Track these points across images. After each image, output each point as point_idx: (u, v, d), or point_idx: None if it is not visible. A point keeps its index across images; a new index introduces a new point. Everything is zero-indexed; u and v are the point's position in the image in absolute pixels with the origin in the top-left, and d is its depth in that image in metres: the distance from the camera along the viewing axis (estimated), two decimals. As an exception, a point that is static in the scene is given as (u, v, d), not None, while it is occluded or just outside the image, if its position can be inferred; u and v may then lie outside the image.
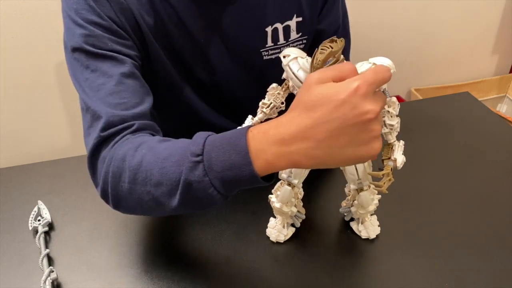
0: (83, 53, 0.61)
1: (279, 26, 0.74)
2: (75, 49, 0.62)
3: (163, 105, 0.76)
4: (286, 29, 0.75)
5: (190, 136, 0.51)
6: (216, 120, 0.82)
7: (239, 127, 0.49)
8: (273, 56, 0.77)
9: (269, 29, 0.74)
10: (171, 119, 0.79)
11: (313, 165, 0.46)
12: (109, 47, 0.61)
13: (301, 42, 0.78)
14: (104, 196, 0.57)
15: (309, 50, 0.81)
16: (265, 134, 0.46)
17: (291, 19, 0.75)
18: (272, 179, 0.49)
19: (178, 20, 0.68)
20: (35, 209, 0.72)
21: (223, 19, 0.70)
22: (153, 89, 0.67)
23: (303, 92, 0.45)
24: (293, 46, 0.78)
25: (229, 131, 0.49)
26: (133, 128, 0.58)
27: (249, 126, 0.48)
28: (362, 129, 0.43)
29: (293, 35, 0.76)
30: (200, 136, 0.50)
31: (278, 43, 0.76)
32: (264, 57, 0.77)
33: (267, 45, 0.76)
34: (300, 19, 0.76)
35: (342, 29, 0.84)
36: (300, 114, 0.45)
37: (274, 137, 0.45)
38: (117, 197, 0.55)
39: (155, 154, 0.52)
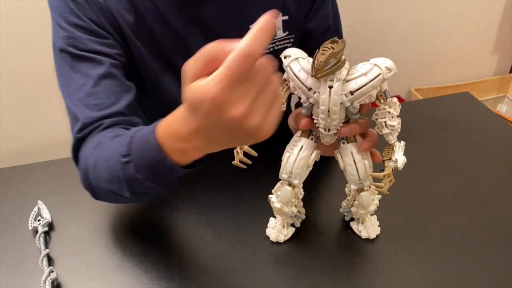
0: (68, 55, 0.65)
1: None
2: (61, 50, 0.66)
3: (148, 98, 0.77)
4: None
5: None
6: None
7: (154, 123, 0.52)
8: None
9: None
10: (157, 111, 0.80)
11: (215, 150, 0.47)
12: (89, 48, 0.65)
13: (288, 40, 0.79)
14: (86, 190, 0.63)
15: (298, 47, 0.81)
16: (169, 132, 0.48)
17: (276, 17, 0.75)
18: (199, 164, 0.51)
19: (160, 17, 0.69)
20: (35, 209, 0.71)
21: (205, 16, 0.71)
22: (138, 83, 0.69)
23: (186, 85, 0.42)
24: (280, 44, 0.78)
25: (148, 127, 0.52)
26: (102, 127, 0.63)
27: (157, 122, 0.50)
28: (236, 131, 0.42)
29: (279, 33, 0.77)
30: (128, 135, 0.53)
31: None
32: None
33: None
34: (286, 17, 0.76)
35: (334, 30, 0.84)
36: (188, 113, 0.44)
37: (175, 135, 0.47)
38: (91, 191, 0.63)
39: (103, 154, 0.57)
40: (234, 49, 0.38)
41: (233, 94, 0.39)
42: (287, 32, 0.77)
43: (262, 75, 0.40)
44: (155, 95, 0.78)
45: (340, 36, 0.86)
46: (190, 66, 0.41)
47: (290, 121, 0.79)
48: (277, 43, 0.77)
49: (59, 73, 0.68)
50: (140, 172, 0.52)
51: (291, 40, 0.79)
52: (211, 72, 0.39)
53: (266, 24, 0.38)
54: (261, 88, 0.40)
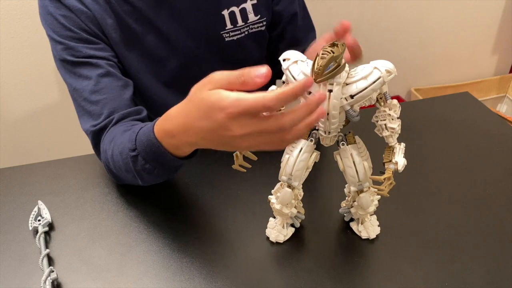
0: (67, 63, 0.73)
1: (235, 9, 0.81)
2: (61, 60, 0.74)
3: (137, 98, 0.82)
4: (243, 12, 0.81)
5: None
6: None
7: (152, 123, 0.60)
8: (234, 38, 0.83)
9: (225, 13, 0.80)
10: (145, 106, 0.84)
11: (202, 147, 0.54)
12: (84, 54, 0.72)
13: (261, 23, 0.84)
14: (110, 177, 0.75)
15: (269, 30, 0.88)
16: (164, 131, 0.56)
17: (245, 1, 0.81)
18: (197, 151, 0.60)
19: (139, 14, 0.76)
20: (35, 209, 0.72)
21: (180, 7, 0.78)
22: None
23: (200, 85, 0.48)
24: (254, 28, 0.84)
25: (149, 124, 0.60)
26: (114, 121, 0.71)
27: (154, 123, 0.58)
28: (223, 141, 0.48)
29: (251, 17, 0.82)
30: (135, 130, 0.62)
31: (237, 25, 0.82)
32: (226, 39, 0.83)
33: (227, 28, 0.82)
34: (254, 1, 0.82)
35: (302, 17, 0.89)
36: (184, 110, 0.51)
37: (168, 132, 0.55)
38: (114, 178, 0.74)
39: (117, 148, 0.65)
40: (260, 75, 0.44)
41: (243, 117, 0.45)
42: (258, 16, 0.83)
43: (281, 122, 0.45)
44: (137, 92, 0.82)
45: (310, 24, 0.92)
46: (220, 74, 0.46)
47: None
48: (250, 26, 0.84)
49: (65, 81, 0.75)
50: (147, 163, 0.61)
51: (264, 23, 0.85)
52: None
53: (305, 85, 0.44)
54: (271, 130, 0.46)
